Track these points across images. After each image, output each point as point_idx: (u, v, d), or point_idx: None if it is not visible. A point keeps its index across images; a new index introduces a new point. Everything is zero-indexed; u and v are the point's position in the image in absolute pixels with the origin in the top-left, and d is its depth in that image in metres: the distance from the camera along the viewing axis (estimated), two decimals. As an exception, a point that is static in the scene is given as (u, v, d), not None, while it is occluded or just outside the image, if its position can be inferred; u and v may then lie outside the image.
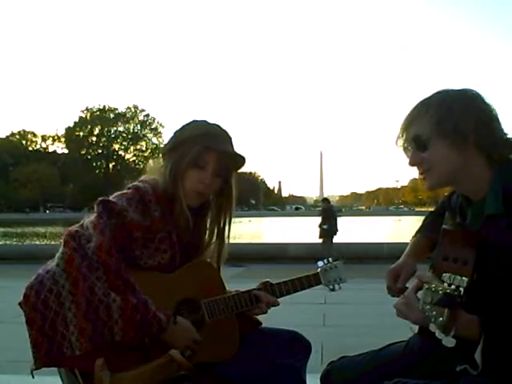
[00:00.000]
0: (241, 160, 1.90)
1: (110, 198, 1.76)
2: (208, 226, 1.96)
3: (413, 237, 1.88)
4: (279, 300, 2.00)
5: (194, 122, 1.92)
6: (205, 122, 1.90)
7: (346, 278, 2.15)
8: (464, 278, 1.35)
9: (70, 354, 1.54)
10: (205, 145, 1.82)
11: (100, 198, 1.73)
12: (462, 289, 1.33)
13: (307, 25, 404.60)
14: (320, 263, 2.12)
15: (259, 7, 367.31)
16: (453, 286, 1.32)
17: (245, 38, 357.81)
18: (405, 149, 1.58)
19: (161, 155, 1.94)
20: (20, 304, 1.58)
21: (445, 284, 1.34)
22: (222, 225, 1.95)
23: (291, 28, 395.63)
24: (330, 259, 2.14)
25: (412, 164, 1.56)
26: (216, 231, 1.95)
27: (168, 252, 1.79)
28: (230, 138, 1.90)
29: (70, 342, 1.54)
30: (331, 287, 2.13)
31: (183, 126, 1.90)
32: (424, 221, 1.91)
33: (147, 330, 1.62)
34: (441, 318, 1.32)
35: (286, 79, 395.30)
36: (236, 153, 1.89)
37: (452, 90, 1.55)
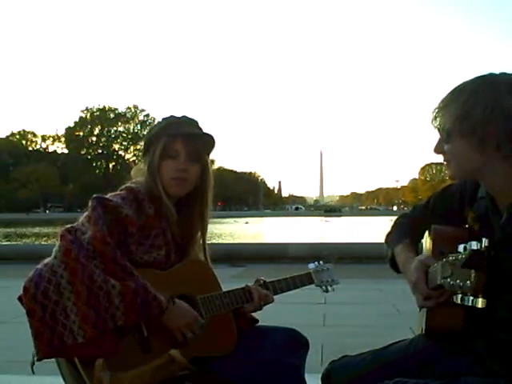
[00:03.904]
0: (209, 139, 1.94)
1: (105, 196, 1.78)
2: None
3: (395, 244, 1.76)
4: (274, 298, 2.03)
5: (162, 119, 1.98)
6: (171, 116, 1.96)
7: (338, 280, 2.20)
8: (484, 239, 1.29)
9: (71, 343, 1.55)
10: (168, 134, 1.87)
11: (94, 195, 1.76)
12: (484, 246, 1.28)
13: (307, 25, 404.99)
14: (311, 265, 2.18)
15: (260, 6, 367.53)
16: (473, 247, 1.28)
17: (245, 38, 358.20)
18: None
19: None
20: (20, 298, 1.59)
21: (461, 253, 1.30)
22: (202, 206, 1.97)
23: (291, 29, 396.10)
24: (321, 262, 2.20)
25: (435, 152, 1.58)
26: (200, 214, 1.97)
27: (163, 248, 1.82)
28: (195, 122, 1.94)
29: (72, 331, 1.56)
30: (324, 288, 2.18)
31: (150, 127, 1.99)
32: (399, 227, 1.84)
33: (148, 312, 1.64)
34: (468, 281, 1.28)
35: (286, 79, 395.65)
36: (201, 132, 1.92)
37: (487, 81, 1.50)
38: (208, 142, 1.94)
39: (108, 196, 1.78)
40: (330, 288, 2.19)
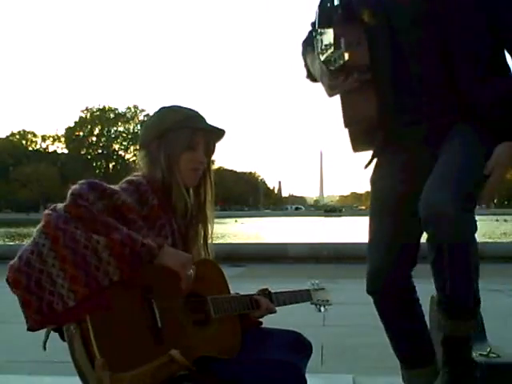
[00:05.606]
0: (223, 133, 1.97)
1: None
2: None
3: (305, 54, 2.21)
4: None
5: (168, 108, 1.96)
6: (178, 106, 1.97)
7: (332, 302, 2.27)
8: None
9: (61, 310, 1.52)
10: (193, 127, 1.89)
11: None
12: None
13: (307, 24, 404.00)
14: (308, 284, 2.25)
15: (259, 6, 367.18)
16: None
17: (245, 38, 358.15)
18: None
19: (141, 148, 1.96)
20: (7, 279, 1.55)
21: None
22: (203, 199, 1.97)
23: (292, 28, 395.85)
24: (317, 281, 2.28)
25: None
26: (198, 206, 1.96)
27: (169, 238, 1.81)
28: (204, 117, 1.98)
29: (61, 296, 1.52)
30: (317, 307, 2.25)
31: (160, 115, 1.94)
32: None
33: (140, 260, 1.60)
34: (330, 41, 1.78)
35: (286, 79, 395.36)
36: (219, 128, 1.96)
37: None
38: (220, 136, 1.99)
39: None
40: (322, 308, 2.24)
